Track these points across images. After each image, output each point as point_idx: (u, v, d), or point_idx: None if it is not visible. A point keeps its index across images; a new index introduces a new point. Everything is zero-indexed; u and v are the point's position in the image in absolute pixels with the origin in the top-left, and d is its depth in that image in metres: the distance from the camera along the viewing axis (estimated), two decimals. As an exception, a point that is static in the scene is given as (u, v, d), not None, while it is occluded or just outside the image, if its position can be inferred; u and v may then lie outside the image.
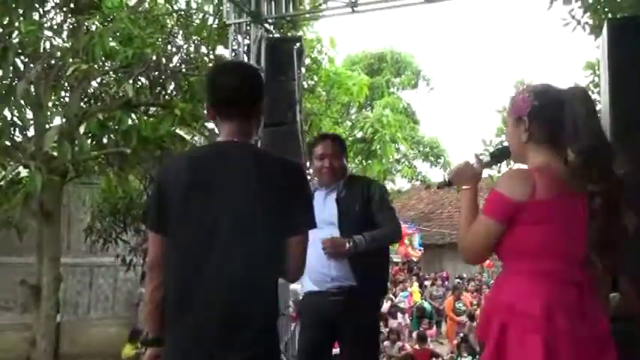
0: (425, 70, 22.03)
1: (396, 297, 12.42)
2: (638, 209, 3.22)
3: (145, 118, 7.00)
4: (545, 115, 1.85)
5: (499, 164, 2.20)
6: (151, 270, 1.95)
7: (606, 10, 6.55)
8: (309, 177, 3.33)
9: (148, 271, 2.01)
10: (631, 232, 1.90)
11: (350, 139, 9.02)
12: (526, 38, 58.97)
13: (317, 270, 2.96)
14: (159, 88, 6.60)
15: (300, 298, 3.55)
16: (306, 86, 7.69)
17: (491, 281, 12.77)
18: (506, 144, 2.04)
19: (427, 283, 15.45)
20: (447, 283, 14.64)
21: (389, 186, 20.06)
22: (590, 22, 6.67)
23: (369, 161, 9.38)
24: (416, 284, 14.48)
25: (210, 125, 6.69)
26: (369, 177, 3.74)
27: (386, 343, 9.18)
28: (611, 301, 2.80)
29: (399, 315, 11.45)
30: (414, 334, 9.80)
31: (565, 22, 6.83)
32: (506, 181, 1.82)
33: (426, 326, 10.45)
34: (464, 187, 1.99)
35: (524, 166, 1.93)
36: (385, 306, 11.61)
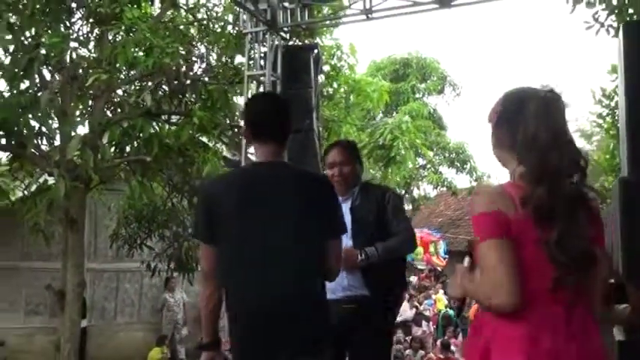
0: (451, 76, 21.87)
1: (420, 305, 12.30)
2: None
3: (167, 126, 7.14)
4: (507, 120, 1.73)
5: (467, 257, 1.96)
6: (206, 278, 2.20)
7: (630, 12, 6.42)
8: None
9: (202, 279, 2.25)
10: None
11: (370, 145, 8.99)
12: (552, 41, 58.07)
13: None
14: (179, 97, 6.71)
15: None
16: (325, 93, 7.71)
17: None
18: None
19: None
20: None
21: (414, 192, 19.98)
22: (615, 24, 6.54)
23: (389, 168, 9.32)
24: (441, 292, 14.31)
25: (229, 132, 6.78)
26: (384, 185, 3.69)
27: (408, 351, 9.10)
28: (623, 312, 2.73)
29: (424, 323, 11.34)
30: (439, 343, 9.69)
31: (588, 25, 6.71)
32: (485, 199, 1.64)
33: (450, 335, 10.33)
34: (460, 282, 1.80)
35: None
36: (409, 314, 11.54)
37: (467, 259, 1.88)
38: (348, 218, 2.97)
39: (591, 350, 1.65)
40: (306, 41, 6.45)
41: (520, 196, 1.60)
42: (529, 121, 1.65)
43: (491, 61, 54.56)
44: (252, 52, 5.64)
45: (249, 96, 5.77)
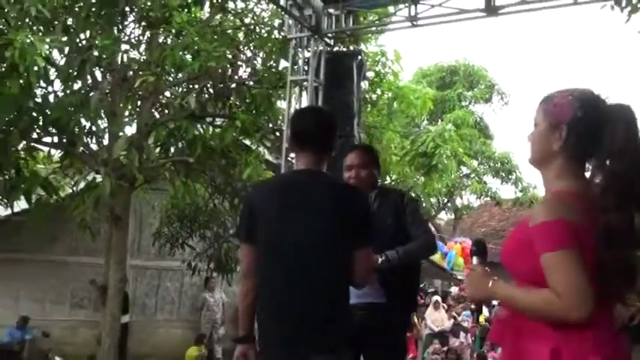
0: (499, 84, 21.51)
1: (459, 315, 12.09)
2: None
3: (211, 128, 7.27)
4: (586, 128, 1.67)
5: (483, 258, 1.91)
6: (244, 276, 2.36)
7: (689, 22, 6.16)
8: None
9: (241, 277, 2.41)
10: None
11: (412, 153, 8.92)
12: (604, 51, 56.27)
13: None
14: (224, 100, 6.82)
15: None
16: (368, 100, 7.69)
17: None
18: (479, 238, 1.89)
19: (495, 302, 14.94)
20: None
21: (457, 201, 19.69)
22: (671, 34, 6.29)
23: (430, 176, 9.22)
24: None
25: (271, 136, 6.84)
26: (399, 188, 3.66)
27: (444, 363, 8.97)
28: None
29: (461, 334, 11.15)
30: (475, 355, 9.50)
31: (643, 35, 6.47)
32: (550, 207, 1.62)
33: (488, 347, 10.10)
34: (489, 289, 1.75)
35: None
36: (447, 324, 11.37)
37: (475, 259, 1.86)
38: None
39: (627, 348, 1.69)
40: (351, 47, 6.47)
41: (588, 207, 1.59)
42: (621, 134, 1.62)
43: (541, 69, 53.31)
44: (296, 57, 5.68)
45: (292, 101, 5.82)
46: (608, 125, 1.65)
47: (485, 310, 13.40)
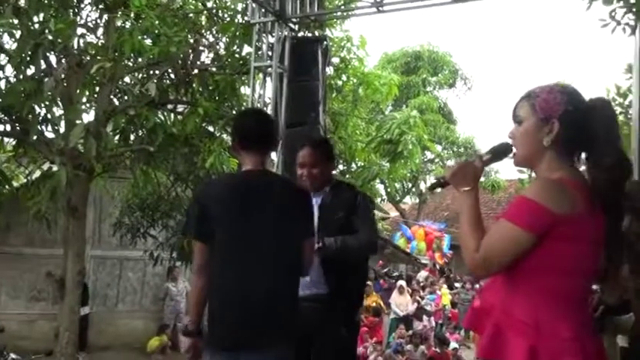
0: (463, 69, 21.70)
1: (422, 299, 12.25)
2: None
3: (173, 115, 7.07)
4: (575, 122, 1.69)
5: (499, 162, 1.93)
6: (198, 272, 2.42)
7: (647, 10, 6.26)
8: None
9: (194, 274, 2.49)
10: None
11: (377, 139, 8.91)
12: (566, 38, 57.46)
13: None
14: (186, 86, 6.63)
15: None
16: (333, 86, 7.61)
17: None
18: (508, 141, 1.83)
19: (458, 285, 15.20)
20: (476, 285, 14.36)
21: (422, 186, 19.90)
22: (632, 22, 6.38)
23: (396, 163, 9.24)
24: (445, 287, 14.26)
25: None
26: (354, 186, 3.63)
27: (409, 346, 9.05)
28: (627, 322, 2.67)
29: (425, 318, 11.29)
30: (433, 337, 9.67)
31: (604, 23, 6.56)
32: (542, 191, 1.64)
33: (451, 330, 10.28)
34: (464, 188, 1.79)
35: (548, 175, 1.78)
36: (412, 308, 11.50)
37: (486, 154, 1.88)
38: (315, 214, 2.94)
39: (602, 343, 1.76)
40: (316, 33, 6.35)
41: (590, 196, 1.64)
42: (609, 126, 1.68)
43: (504, 55, 54.13)
44: (260, 42, 5.55)
45: (256, 87, 5.70)
46: (595, 118, 1.68)
47: (449, 295, 13.66)
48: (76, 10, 6.63)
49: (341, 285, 2.96)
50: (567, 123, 1.69)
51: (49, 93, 5.53)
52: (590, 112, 1.69)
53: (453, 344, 9.28)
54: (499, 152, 1.87)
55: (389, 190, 16.67)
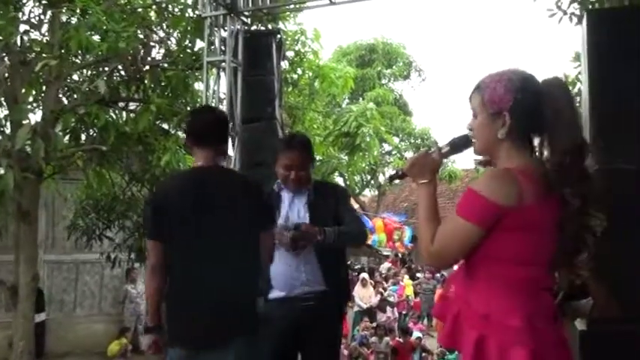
0: (417, 61, 21.94)
1: (385, 291, 12.36)
2: (610, 207, 3.15)
3: (124, 113, 6.88)
4: (527, 109, 1.67)
5: (458, 154, 1.95)
6: (154, 271, 2.42)
7: (592, 0, 6.44)
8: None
9: (151, 272, 2.45)
10: (598, 233, 1.77)
11: (335, 132, 8.90)
12: (517, 28, 58.86)
13: (286, 275, 2.91)
14: (137, 83, 6.46)
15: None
16: (289, 80, 7.55)
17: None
18: (466, 133, 1.83)
19: (420, 275, 15.39)
20: (437, 275, 14.58)
21: (380, 178, 20.05)
22: (578, 12, 6.55)
23: (354, 155, 9.26)
24: (406, 277, 14.43)
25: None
26: (332, 182, 3.69)
27: (373, 338, 9.11)
28: (586, 306, 2.73)
29: (388, 309, 11.39)
30: (396, 328, 9.78)
31: (551, 12, 6.71)
32: (490, 183, 1.63)
33: (415, 320, 10.40)
34: (421, 180, 1.79)
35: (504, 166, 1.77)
36: (375, 300, 11.58)
37: (446, 146, 1.88)
38: (303, 212, 3.00)
39: (563, 332, 1.74)
40: (269, 26, 6.28)
41: (543, 184, 1.63)
42: (562, 109, 1.65)
43: (457, 46, 55.05)
44: (212, 37, 5.44)
45: (210, 82, 5.59)
46: (548, 102, 1.66)
47: (412, 286, 13.81)
48: (18, 6, 6.36)
49: (336, 279, 2.98)
50: (518, 113, 1.68)
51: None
52: (540, 96, 1.67)
53: (417, 333, 9.38)
54: (458, 145, 1.87)
55: (348, 183, 16.72)
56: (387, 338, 8.97)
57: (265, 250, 2.52)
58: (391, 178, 2.11)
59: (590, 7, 6.25)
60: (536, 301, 1.66)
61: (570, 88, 10.75)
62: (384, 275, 14.47)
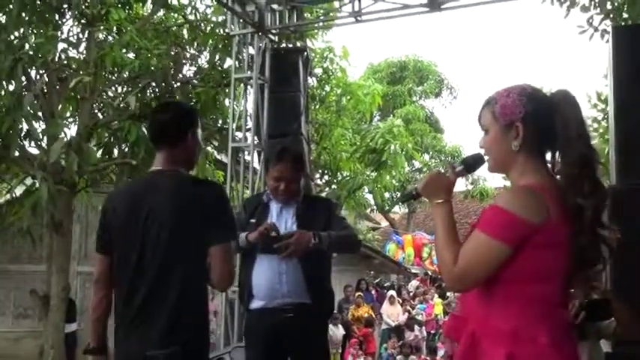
0: (448, 79, 21.85)
1: (413, 309, 12.21)
2: (635, 222, 3.09)
3: (156, 128, 7.04)
4: (538, 120, 1.66)
5: (472, 173, 1.95)
6: (95, 285, 2.29)
7: (625, 16, 6.35)
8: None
9: (93, 286, 2.32)
10: (614, 246, 1.74)
11: (362, 149, 8.93)
12: (548, 45, 58.10)
13: (267, 286, 2.89)
14: (168, 99, 6.62)
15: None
16: (317, 97, 7.63)
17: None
18: (480, 151, 1.81)
19: (451, 294, 15.16)
20: (468, 295, 14.38)
21: (410, 196, 19.90)
22: (609, 29, 6.47)
23: (381, 172, 9.26)
24: (436, 296, 14.23)
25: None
26: (321, 196, 3.71)
27: (399, 357, 9.01)
28: (609, 327, 2.66)
29: (416, 327, 11.24)
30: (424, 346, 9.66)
31: (582, 29, 6.64)
32: (517, 199, 1.61)
33: (444, 340, 10.23)
34: (437, 200, 1.75)
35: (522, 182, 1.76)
36: (402, 318, 11.46)
37: (460, 165, 1.85)
38: (290, 223, 2.98)
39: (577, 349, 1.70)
40: (297, 44, 6.38)
41: (559, 199, 1.61)
42: (571, 119, 1.64)
43: (488, 63, 54.68)
44: (241, 54, 5.56)
45: (240, 99, 5.70)
46: (558, 113, 1.66)
47: (442, 305, 13.62)
48: (57, 25, 6.61)
49: (320, 292, 2.96)
50: (530, 124, 1.67)
51: (29, 108, 5.50)
52: (550, 107, 1.67)
53: (441, 351, 9.24)
54: (471, 163, 1.86)
55: (378, 200, 16.70)
56: (413, 357, 8.86)
57: (216, 267, 2.13)
58: (404, 198, 2.09)
59: (623, 23, 6.17)
60: (559, 316, 1.64)
61: (603, 105, 10.56)
62: (412, 293, 14.30)
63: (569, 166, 1.64)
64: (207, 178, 6.59)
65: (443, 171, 1.85)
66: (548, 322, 1.60)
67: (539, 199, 1.59)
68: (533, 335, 1.58)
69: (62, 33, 6.74)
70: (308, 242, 2.79)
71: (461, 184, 19.44)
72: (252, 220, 2.99)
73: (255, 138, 5.35)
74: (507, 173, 1.77)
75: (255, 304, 2.95)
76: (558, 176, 1.72)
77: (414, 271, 16.70)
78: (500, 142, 1.72)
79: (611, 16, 6.48)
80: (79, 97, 6.70)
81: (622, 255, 3.10)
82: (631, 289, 2.81)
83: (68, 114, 7.06)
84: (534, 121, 1.67)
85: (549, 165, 1.75)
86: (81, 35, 6.85)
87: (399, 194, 18.30)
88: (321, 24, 6.21)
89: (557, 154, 1.72)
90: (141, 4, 6.97)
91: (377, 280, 15.57)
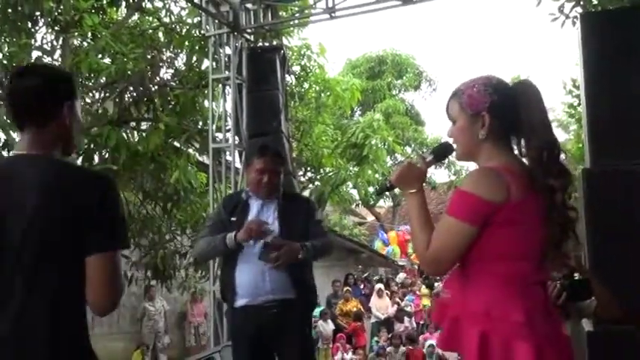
0: (427, 71, 21.96)
1: (402, 301, 12.30)
2: (609, 203, 3.17)
3: (136, 133, 7.02)
4: (504, 110, 1.75)
5: (441, 162, 2.05)
6: None
7: (594, 3, 6.45)
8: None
9: None
10: (575, 225, 1.83)
11: (343, 144, 8.98)
12: (523, 34, 58.71)
13: (251, 284, 2.93)
14: (147, 103, 6.60)
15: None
16: (296, 94, 7.65)
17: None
18: (447, 140, 1.91)
19: (437, 285, 15.27)
20: (455, 284, 14.50)
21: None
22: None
23: (363, 166, 9.31)
24: (424, 287, 14.33)
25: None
26: (300, 194, 3.79)
27: (389, 348, 9.08)
28: (590, 306, 2.73)
29: (406, 319, 11.33)
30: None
31: (554, 17, 6.73)
32: (477, 181, 1.70)
33: (432, 330, 10.33)
34: (410, 190, 1.84)
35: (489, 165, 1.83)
36: (392, 310, 11.54)
37: (430, 155, 1.94)
38: (272, 220, 3.03)
39: (561, 327, 1.77)
40: (274, 42, 6.39)
41: (525, 182, 1.68)
42: (535, 108, 1.73)
43: (464, 54, 55.01)
44: (217, 55, 5.56)
45: (219, 99, 5.70)
46: (522, 103, 1.74)
47: (427, 295, 13.73)
48: (30, 33, 6.55)
49: (302, 287, 3.01)
50: (496, 113, 1.75)
51: (5, 117, 5.45)
52: (515, 97, 1.75)
53: (431, 341, 9.33)
54: (440, 153, 1.96)
55: (362, 194, 16.78)
56: (403, 348, 8.94)
57: (93, 284, 1.58)
58: (379, 191, 2.19)
59: (593, 10, 6.27)
60: (530, 295, 1.69)
61: (577, 91, 10.73)
62: (399, 284, 14.39)
63: (536, 151, 1.72)
64: (191, 181, 6.59)
65: (414, 162, 1.92)
66: (522, 300, 1.66)
67: (499, 179, 1.67)
68: (506, 313, 1.64)
69: (36, 41, 6.67)
70: (297, 254, 2.87)
71: (444, 176, 19.60)
72: (233, 219, 3.02)
73: (236, 138, 5.36)
74: (475, 160, 1.85)
75: (240, 302, 2.99)
76: (525, 159, 1.80)
77: (401, 263, 16.80)
78: (467, 132, 1.80)
79: (582, 3, 6.57)
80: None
81: (598, 234, 3.20)
82: (608, 268, 2.89)
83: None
84: (500, 111, 1.75)
85: (516, 151, 1.83)
86: (55, 42, 6.80)
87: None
88: (296, 21, 6.22)
89: (522, 140, 1.80)
90: (115, 9, 6.94)
91: (365, 275, 15.65)
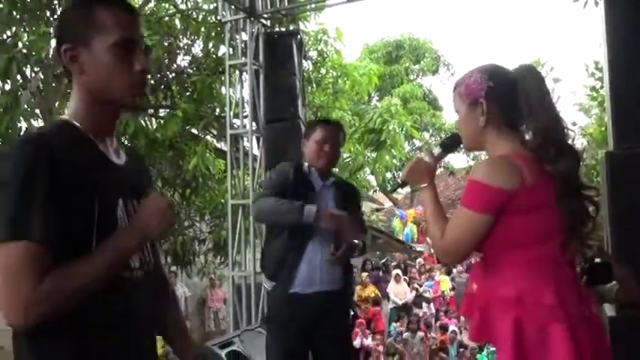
0: (445, 56, 21.76)
1: (421, 287, 12.28)
2: (633, 186, 3.11)
3: (154, 120, 7.07)
4: (502, 95, 1.76)
5: (451, 154, 2.08)
6: None
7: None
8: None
9: None
10: (598, 205, 1.81)
11: (360, 129, 8.94)
12: (543, 16, 57.68)
13: (304, 272, 2.91)
14: (164, 90, 6.62)
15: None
16: (313, 80, 7.61)
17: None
18: (455, 132, 1.94)
19: (455, 270, 15.20)
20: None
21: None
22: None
23: (380, 151, 9.28)
24: (440, 272, 14.28)
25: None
26: (349, 182, 3.75)
27: (406, 334, 9.09)
28: (611, 290, 2.70)
29: (424, 305, 11.33)
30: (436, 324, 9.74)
31: (575, -3, 6.58)
32: (489, 170, 1.70)
33: (450, 315, 10.33)
34: (422, 184, 1.89)
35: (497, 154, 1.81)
36: (410, 296, 11.54)
37: (438, 149, 1.99)
38: (330, 206, 2.97)
39: (593, 309, 1.77)
40: (290, 27, 6.35)
41: (537, 166, 1.68)
42: (533, 92, 1.72)
43: (482, 38, 54.28)
44: (234, 40, 5.54)
45: (236, 85, 5.69)
46: (520, 87, 1.74)
47: (448, 281, 13.69)
48: (50, 21, 6.60)
49: (348, 278, 3.05)
50: (493, 99, 1.76)
51: (26, 106, 5.51)
52: (512, 83, 1.75)
53: (452, 327, 9.33)
54: (448, 145, 1.99)
55: (379, 180, 16.74)
56: (420, 333, 8.95)
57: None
58: (393, 188, 2.22)
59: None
60: (559, 276, 1.69)
61: (600, 73, 10.55)
62: (417, 269, 14.36)
63: (534, 135, 1.73)
64: (209, 168, 6.62)
65: (422, 157, 1.93)
66: (551, 282, 1.66)
67: (511, 166, 1.67)
68: (538, 297, 1.64)
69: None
70: (355, 252, 2.93)
71: (462, 161, 19.44)
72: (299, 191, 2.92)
73: (253, 124, 5.35)
74: (483, 149, 1.86)
75: (296, 289, 2.93)
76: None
77: (419, 249, 16.76)
78: (468, 121, 1.82)
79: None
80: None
81: (621, 218, 3.15)
82: (631, 252, 2.85)
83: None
84: (497, 96, 1.76)
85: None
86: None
87: (400, 174, 18.32)
88: (312, 6, 6.17)
89: (526, 125, 1.80)
90: (132, -4, 6.95)
91: (383, 261, 15.64)
